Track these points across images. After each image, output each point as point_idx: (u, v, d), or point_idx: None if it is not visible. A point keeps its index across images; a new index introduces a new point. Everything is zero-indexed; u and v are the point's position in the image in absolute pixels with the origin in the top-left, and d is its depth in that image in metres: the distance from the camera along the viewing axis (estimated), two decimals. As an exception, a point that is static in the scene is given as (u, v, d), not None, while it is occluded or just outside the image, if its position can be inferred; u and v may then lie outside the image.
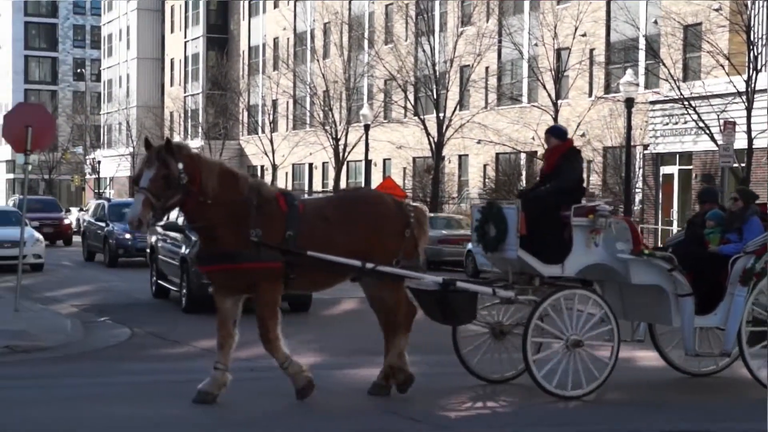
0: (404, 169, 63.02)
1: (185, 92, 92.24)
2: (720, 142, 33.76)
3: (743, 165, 34.50)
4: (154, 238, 26.40)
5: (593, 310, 13.45)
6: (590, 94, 49.41)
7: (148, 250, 27.88)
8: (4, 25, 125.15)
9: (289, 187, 74.74)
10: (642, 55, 43.70)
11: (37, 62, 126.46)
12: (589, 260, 13.56)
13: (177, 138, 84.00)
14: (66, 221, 53.87)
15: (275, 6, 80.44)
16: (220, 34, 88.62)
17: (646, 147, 43.61)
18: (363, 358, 14.42)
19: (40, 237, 35.21)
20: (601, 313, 13.38)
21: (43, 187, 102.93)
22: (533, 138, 46.58)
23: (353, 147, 59.57)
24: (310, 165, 74.08)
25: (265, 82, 77.37)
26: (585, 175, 48.87)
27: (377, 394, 13.11)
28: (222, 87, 78.70)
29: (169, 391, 13.24)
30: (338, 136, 61.00)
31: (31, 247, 32.42)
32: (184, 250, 22.93)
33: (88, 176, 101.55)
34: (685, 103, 36.30)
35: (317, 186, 71.81)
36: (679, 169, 42.29)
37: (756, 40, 35.60)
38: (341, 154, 60.94)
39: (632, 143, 38.34)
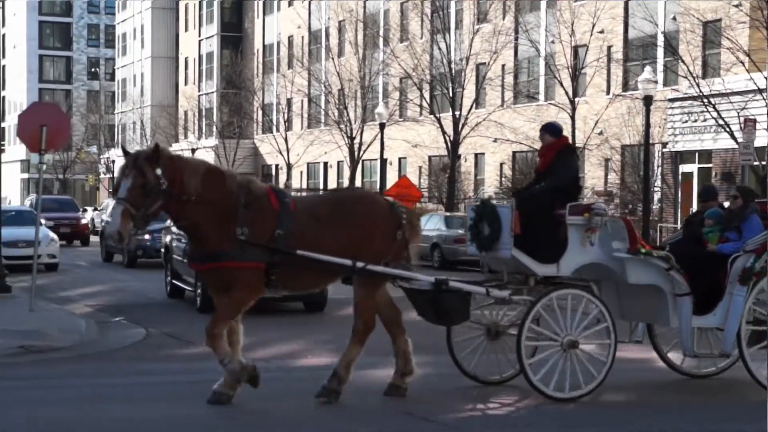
0: (420, 168, 62.80)
1: (199, 91, 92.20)
2: (740, 140, 33.46)
3: (764, 163, 34.19)
4: (168, 238, 26.16)
5: (588, 310, 13.27)
6: (608, 92, 49.15)
7: (162, 250, 27.67)
8: (19, 25, 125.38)
9: (304, 186, 74.68)
10: (660, 51, 43.45)
11: (52, 61, 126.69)
12: (585, 259, 13.44)
13: (192, 137, 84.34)
14: (83, 221, 53.83)
15: (290, 4, 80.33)
16: (234, 33, 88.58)
17: (664, 145, 43.34)
18: (380, 359, 14.22)
19: (55, 237, 35.18)
20: (596, 312, 13.19)
21: (57, 187, 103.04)
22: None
23: (368, 146, 59.43)
24: (325, 164, 73.90)
25: (280, 80, 77.26)
26: (602, 173, 48.98)
27: (394, 395, 13.05)
28: (236, 86, 78.70)
29: (184, 391, 13.23)
30: (353, 135, 60.86)
31: (45, 247, 32.45)
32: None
33: (102, 176, 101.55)
34: (705, 100, 36.00)
35: (332, 185, 71.56)
36: (699, 168, 42.00)
37: (776, 36, 35.27)
38: (356, 153, 60.81)
39: (651, 141, 38.00)
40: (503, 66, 55.60)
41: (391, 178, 57.41)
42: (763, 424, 11.44)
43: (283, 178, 74.16)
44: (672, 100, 42.14)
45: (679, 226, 41.28)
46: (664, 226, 40.47)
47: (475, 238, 13.72)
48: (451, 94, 52.22)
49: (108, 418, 11.95)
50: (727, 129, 34.96)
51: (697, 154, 41.97)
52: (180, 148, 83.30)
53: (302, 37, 77.20)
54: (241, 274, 12.20)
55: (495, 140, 54.17)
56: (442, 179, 56.59)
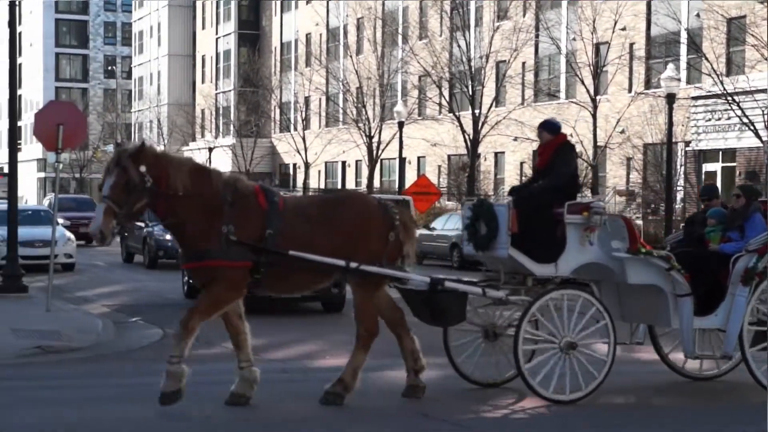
0: (439, 167, 62.54)
1: (216, 89, 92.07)
2: (765, 139, 33.20)
3: (790, 162, 33.87)
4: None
5: (585, 309, 13.04)
6: (630, 90, 48.86)
7: (179, 250, 27.36)
8: (35, 23, 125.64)
9: (322, 186, 74.53)
10: (684, 49, 43.07)
11: (68, 60, 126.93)
12: (584, 259, 13.26)
13: (209, 136, 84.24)
14: (101, 220, 53.61)
15: (308, 2, 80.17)
16: (251, 30, 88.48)
17: (687, 144, 43.02)
18: (398, 360, 13.97)
19: (72, 236, 35.00)
20: (593, 311, 12.97)
21: (74, 186, 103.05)
22: (571, 135, 45.79)
23: (387, 145, 59.27)
24: (343, 163, 73.68)
25: (298, 78, 77.02)
26: (624, 172, 48.61)
27: (412, 396, 12.93)
28: (254, 84, 78.56)
29: (201, 392, 13.05)
30: (372, 134, 60.70)
31: (62, 247, 32.37)
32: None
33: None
34: (729, 98, 35.70)
35: (350, 185, 71.32)
36: (722, 167, 41.67)
37: (803, 33, 34.95)
38: (375, 152, 60.65)
39: (674, 140, 37.68)
40: (524, 64, 55.32)
41: (410, 178, 57.18)
42: (764, 425, 11.35)
43: (300, 177, 73.94)
44: (695, 98, 41.83)
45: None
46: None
47: (472, 237, 13.55)
48: (470, 93, 51.95)
49: (122, 418, 11.93)
50: (752, 127, 34.72)
51: (720, 153, 41.67)
52: (197, 146, 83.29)
53: (320, 35, 77.01)
54: (225, 272, 12.07)
55: (515, 139, 53.85)
56: (461, 178, 56.30)
